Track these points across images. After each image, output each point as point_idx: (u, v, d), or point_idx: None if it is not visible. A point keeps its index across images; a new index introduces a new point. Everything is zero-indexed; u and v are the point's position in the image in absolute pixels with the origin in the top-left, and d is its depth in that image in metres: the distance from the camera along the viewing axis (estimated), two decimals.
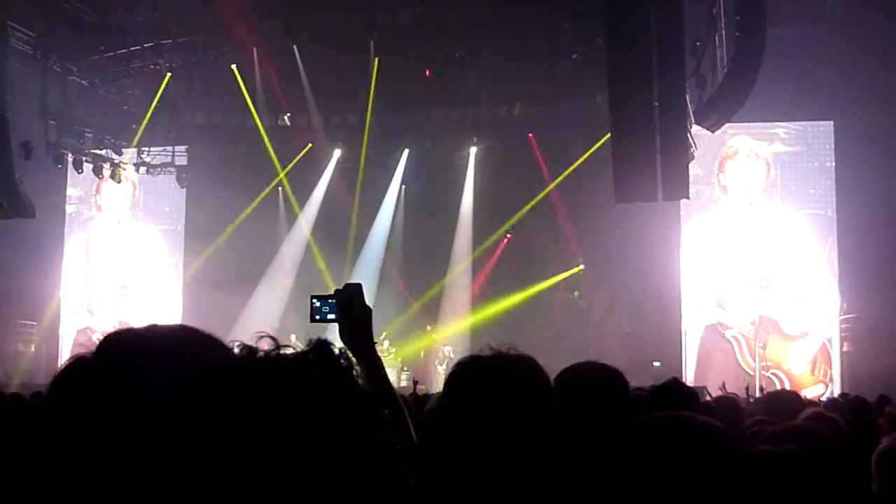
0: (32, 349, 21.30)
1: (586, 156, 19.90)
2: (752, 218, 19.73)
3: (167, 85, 20.58)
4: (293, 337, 1.56)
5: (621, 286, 20.48)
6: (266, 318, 20.42)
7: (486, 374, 2.09)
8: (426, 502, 2.10)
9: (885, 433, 4.84)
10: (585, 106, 19.39)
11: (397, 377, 19.46)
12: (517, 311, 20.79)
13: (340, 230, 22.01)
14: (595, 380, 3.04)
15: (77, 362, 1.47)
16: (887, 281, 17.23)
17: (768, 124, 19.81)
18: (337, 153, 22.24)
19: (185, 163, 22.59)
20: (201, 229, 21.80)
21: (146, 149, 22.13)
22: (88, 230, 23.43)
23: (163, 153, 22.48)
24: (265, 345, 1.46)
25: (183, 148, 22.52)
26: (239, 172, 21.29)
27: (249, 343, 1.47)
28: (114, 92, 20.92)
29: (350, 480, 1.38)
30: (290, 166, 21.93)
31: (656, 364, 18.82)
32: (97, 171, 20.92)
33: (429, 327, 21.55)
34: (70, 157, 20.13)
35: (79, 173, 21.00)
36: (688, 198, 15.54)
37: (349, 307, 2.67)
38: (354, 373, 1.48)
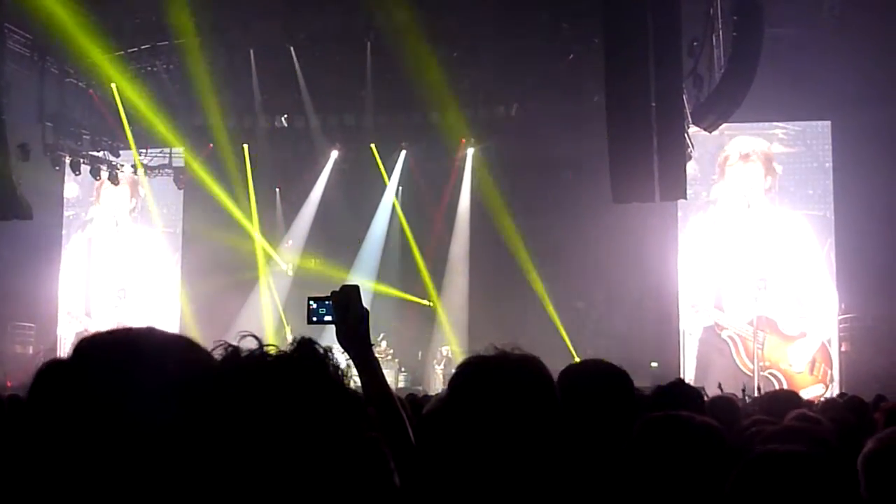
0: (30, 351, 21.27)
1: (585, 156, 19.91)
2: (750, 219, 19.74)
3: (166, 86, 20.58)
4: (290, 338, 1.55)
5: (619, 287, 20.46)
6: (264, 319, 20.43)
7: (490, 373, 2.09)
8: (430, 502, 2.10)
9: (881, 428, 4.84)
10: (582, 106, 19.39)
11: (395, 378, 19.46)
12: (516, 312, 20.78)
13: (338, 231, 22.01)
14: (599, 378, 3.04)
15: (51, 365, 1.46)
16: (885, 281, 17.24)
17: (766, 125, 19.82)
18: (334, 154, 22.24)
19: (181, 164, 22.56)
20: (199, 231, 21.78)
21: (143, 150, 22.12)
22: (87, 232, 23.41)
23: (160, 155, 22.46)
24: (250, 344, 1.46)
25: (180, 149, 22.49)
26: (236, 174, 21.28)
27: (233, 343, 1.47)
28: (111, 94, 20.87)
29: (331, 478, 1.38)
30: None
31: (654, 365, 18.83)
32: (95, 173, 20.91)
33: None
34: (67, 159, 20.13)
35: (76, 175, 20.98)
36: (685, 198, 15.54)
37: (346, 309, 2.66)
38: (339, 372, 1.48)
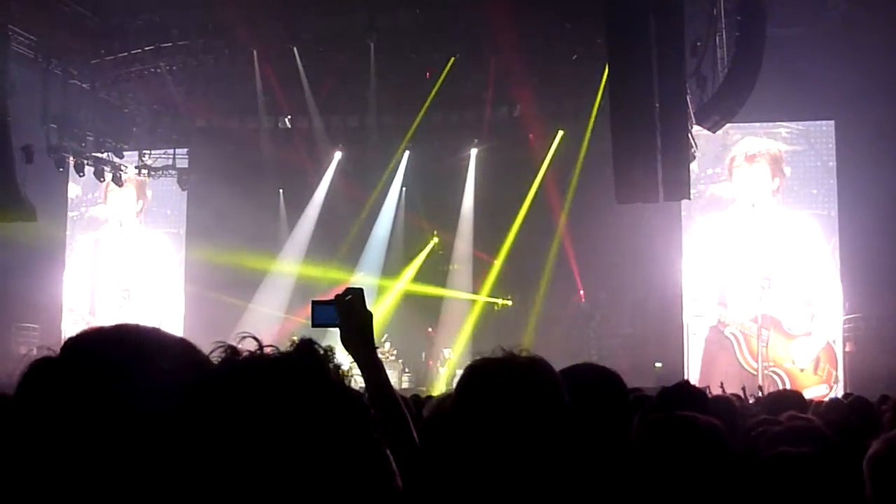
0: (34, 352, 21.24)
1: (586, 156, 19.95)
2: (754, 218, 19.72)
3: (168, 86, 20.61)
4: (295, 339, 1.55)
5: (623, 287, 20.46)
6: (268, 320, 20.43)
7: (498, 375, 2.08)
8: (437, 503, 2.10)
9: (887, 428, 4.83)
10: (585, 106, 19.40)
11: (399, 379, 19.47)
12: (519, 313, 20.79)
13: (341, 232, 22.03)
14: (592, 381, 3.04)
15: (40, 362, 1.46)
16: (890, 281, 17.20)
17: (770, 124, 19.80)
18: (338, 155, 22.25)
19: (185, 165, 22.60)
20: (202, 232, 21.80)
21: (147, 152, 22.15)
22: (93, 233, 23.45)
23: (164, 156, 22.50)
24: (251, 346, 1.46)
25: (184, 151, 22.54)
26: (240, 175, 21.30)
27: (233, 344, 1.47)
28: (114, 95, 20.92)
29: (331, 479, 1.38)
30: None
31: (658, 365, 18.82)
32: (98, 175, 20.94)
33: (430, 329, 21.55)
34: (71, 161, 20.14)
35: (80, 176, 21.00)
36: (689, 198, 15.52)
37: (350, 312, 2.67)
38: (340, 372, 1.48)
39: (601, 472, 2.51)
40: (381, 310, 20.68)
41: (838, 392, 17.25)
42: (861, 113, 17.49)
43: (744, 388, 12.02)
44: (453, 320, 21.60)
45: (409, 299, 21.84)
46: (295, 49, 19.38)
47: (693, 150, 16.01)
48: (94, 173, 20.86)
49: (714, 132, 16.51)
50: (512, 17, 18.05)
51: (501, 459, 1.98)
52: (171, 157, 22.52)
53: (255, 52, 19.65)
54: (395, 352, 20.20)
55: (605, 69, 15.27)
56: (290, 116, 21.59)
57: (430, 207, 22.24)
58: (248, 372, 1.43)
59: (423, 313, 21.68)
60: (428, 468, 2.27)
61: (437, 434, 2.58)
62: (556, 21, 18.33)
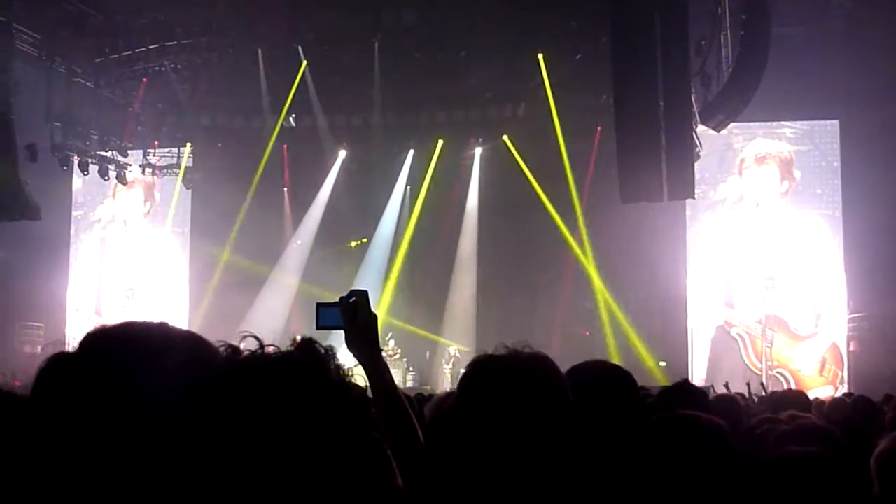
0: (39, 350, 21.34)
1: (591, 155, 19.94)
2: (759, 218, 19.70)
3: (173, 85, 20.64)
4: (299, 338, 1.55)
5: (627, 286, 20.44)
6: (272, 319, 20.44)
7: (501, 372, 2.08)
8: (440, 502, 2.10)
9: (889, 427, 4.82)
10: (590, 106, 19.38)
11: (403, 377, 19.46)
12: (523, 311, 20.77)
13: (346, 231, 22.04)
14: (603, 379, 3.03)
15: (57, 359, 1.46)
16: (894, 280, 17.18)
17: (774, 124, 19.78)
18: (342, 154, 22.26)
19: (190, 164, 22.62)
20: (207, 231, 21.82)
21: (151, 150, 22.17)
22: (99, 231, 23.48)
23: (168, 154, 22.52)
24: (251, 344, 1.46)
25: (188, 149, 22.55)
26: (244, 173, 21.32)
27: (234, 343, 1.48)
28: (119, 94, 20.94)
29: (330, 478, 1.38)
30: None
31: (662, 364, 18.81)
32: (103, 173, 20.95)
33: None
34: (75, 159, 20.15)
35: (84, 175, 21.03)
36: (693, 197, 15.53)
37: (354, 314, 2.67)
38: (340, 371, 1.48)
39: (605, 471, 2.51)
40: (384, 308, 20.70)
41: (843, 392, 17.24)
42: (866, 112, 17.46)
43: (748, 384, 12.01)
44: (458, 318, 21.59)
45: (414, 298, 21.82)
46: (299, 48, 19.39)
47: (697, 149, 15.99)
48: (99, 172, 20.87)
49: (718, 131, 16.50)
50: (516, 16, 18.07)
51: (503, 456, 1.98)
52: (176, 155, 22.53)
53: (259, 51, 19.66)
54: (399, 350, 20.19)
55: (609, 68, 15.25)
56: (294, 115, 21.60)
57: (433, 206, 22.21)
58: (248, 371, 1.43)
59: (427, 312, 21.67)
60: (433, 467, 2.27)
61: (442, 432, 2.58)
62: (561, 20, 18.32)
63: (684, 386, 4.37)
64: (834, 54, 17.56)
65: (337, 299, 2.72)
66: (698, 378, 18.63)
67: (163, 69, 20.18)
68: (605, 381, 2.99)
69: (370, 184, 22.15)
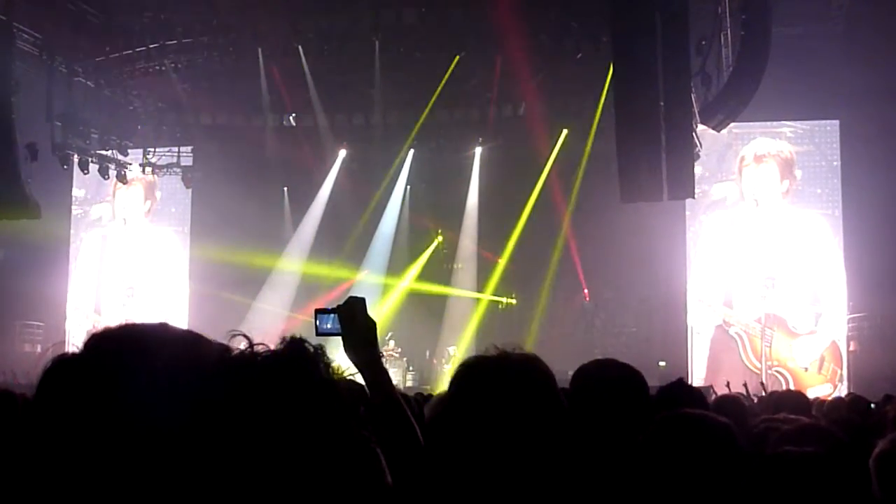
0: (39, 350, 21.35)
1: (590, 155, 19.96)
2: (759, 218, 19.70)
3: (173, 84, 20.63)
4: (287, 337, 1.55)
5: (627, 286, 20.45)
6: (271, 318, 20.46)
7: (489, 373, 2.09)
8: (436, 502, 2.10)
9: (891, 426, 4.82)
10: (590, 105, 19.39)
11: (403, 377, 19.47)
12: (523, 312, 20.79)
13: (346, 230, 22.04)
14: (613, 378, 3.04)
15: (61, 360, 1.47)
16: (894, 280, 17.18)
17: (774, 123, 19.77)
18: (342, 153, 22.27)
19: (190, 163, 22.62)
20: (207, 230, 21.82)
21: (151, 149, 22.17)
22: (99, 230, 23.48)
23: (168, 154, 22.52)
24: (241, 343, 1.46)
25: (188, 148, 22.55)
26: (245, 172, 21.32)
27: (224, 342, 1.48)
28: (119, 93, 20.94)
29: (318, 477, 1.38)
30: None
31: (662, 364, 18.80)
32: (103, 172, 20.96)
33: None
34: (76, 158, 20.15)
35: (85, 174, 21.03)
36: (693, 197, 15.51)
37: (352, 321, 2.68)
38: (330, 370, 1.48)
39: (604, 470, 2.51)
40: (385, 308, 20.71)
41: (843, 392, 17.24)
42: (866, 112, 17.46)
43: (745, 385, 12.01)
44: (458, 318, 21.60)
45: (414, 297, 21.84)
46: (300, 47, 19.39)
47: (697, 149, 15.99)
48: (99, 171, 20.87)
49: (718, 131, 16.48)
50: (517, 16, 18.05)
51: (492, 456, 1.98)
52: (176, 154, 22.54)
53: (259, 50, 19.65)
54: (399, 350, 20.20)
55: (609, 68, 15.25)
56: (294, 114, 21.60)
57: (434, 206, 22.23)
58: (234, 370, 1.43)
59: (427, 312, 21.68)
60: (431, 467, 2.27)
61: (436, 434, 2.59)
62: (561, 19, 18.32)
63: (681, 384, 4.37)
64: (834, 54, 17.56)
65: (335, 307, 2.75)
66: (698, 377, 18.65)
67: (163, 68, 20.18)
68: (615, 380, 2.99)
69: (370, 183, 22.15)
